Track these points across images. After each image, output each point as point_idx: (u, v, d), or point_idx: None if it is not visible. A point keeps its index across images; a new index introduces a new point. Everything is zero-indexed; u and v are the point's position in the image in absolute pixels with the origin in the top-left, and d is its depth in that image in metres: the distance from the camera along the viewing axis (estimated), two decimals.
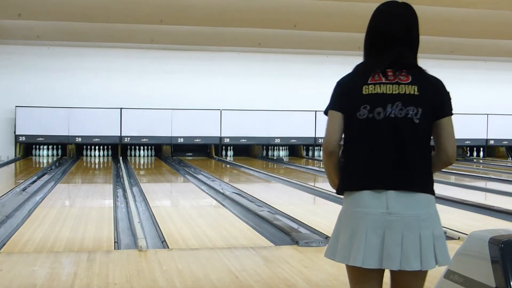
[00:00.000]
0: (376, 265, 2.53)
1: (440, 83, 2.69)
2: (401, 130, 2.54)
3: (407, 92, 2.55)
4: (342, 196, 2.79)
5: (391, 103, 2.54)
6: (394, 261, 2.51)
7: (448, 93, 2.70)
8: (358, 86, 2.61)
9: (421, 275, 2.63)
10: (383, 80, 2.57)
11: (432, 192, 2.66)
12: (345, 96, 2.64)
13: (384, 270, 2.63)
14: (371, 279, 2.66)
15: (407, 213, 2.52)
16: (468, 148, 22.99)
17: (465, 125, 22.34)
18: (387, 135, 2.55)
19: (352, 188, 2.64)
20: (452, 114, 2.70)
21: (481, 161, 21.69)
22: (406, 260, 2.50)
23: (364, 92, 2.58)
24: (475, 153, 23.08)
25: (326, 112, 2.73)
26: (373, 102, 2.55)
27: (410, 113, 2.54)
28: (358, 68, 2.72)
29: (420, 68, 2.67)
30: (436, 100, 2.62)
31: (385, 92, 2.55)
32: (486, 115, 22.68)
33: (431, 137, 2.67)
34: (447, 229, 7.02)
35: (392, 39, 2.64)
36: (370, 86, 2.57)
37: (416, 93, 2.56)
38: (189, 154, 21.07)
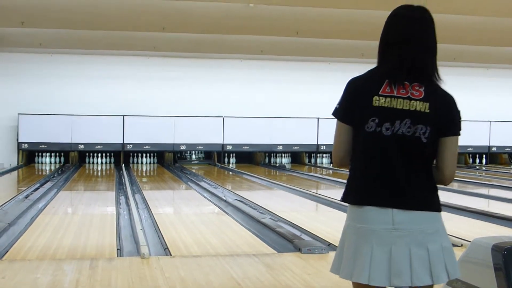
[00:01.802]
0: (385, 283, 2.44)
1: (452, 101, 2.63)
2: (408, 148, 2.48)
3: (418, 109, 2.48)
4: (346, 204, 2.73)
5: (400, 120, 2.47)
6: (404, 277, 2.42)
7: (459, 112, 2.63)
8: (369, 95, 2.52)
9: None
10: (395, 93, 2.49)
11: (437, 209, 2.58)
12: (355, 106, 2.56)
13: None
14: None
15: (413, 228, 2.46)
16: (470, 155, 22.95)
17: (467, 132, 22.08)
18: (393, 152, 2.49)
19: (356, 203, 2.57)
20: (460, 134, 2.63)
21: (483, 168, 21.66)
22: (417, 276, 2.42)
23: (374, 104, 2.49)
24: (477, 160, 23.04)
25: (334, 114, 2.67)
26: (382, 115, 2.48)
27: (419, 132, 2.47)
28: (372, 73, 2.63)
29: (434, 82, 2.60)
30: (446, 118, 2.56)
31: (395, 107, 2.48)
32: (489, 122, 22.66)
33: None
34: (450, 236, 7.01)
35: (407, 44, 2.54)
36: (381, 98, 2.49)
37: (427, 110, 2.49)
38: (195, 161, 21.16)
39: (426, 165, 2.54)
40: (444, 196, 9.83)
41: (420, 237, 2.44)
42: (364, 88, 2.55)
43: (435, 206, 2.56)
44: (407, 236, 2.43)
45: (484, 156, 23.09)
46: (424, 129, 2.47)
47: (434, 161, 2.63)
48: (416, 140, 2.46)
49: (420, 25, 2.55)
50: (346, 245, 2.59)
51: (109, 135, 19.82)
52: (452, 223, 8.32)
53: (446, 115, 2.56)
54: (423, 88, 2.52)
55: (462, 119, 2.67)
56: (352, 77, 2.67)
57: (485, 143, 22.73)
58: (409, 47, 2.52)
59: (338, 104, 2.66)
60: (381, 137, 2.48)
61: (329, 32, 16.73)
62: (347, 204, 2.68)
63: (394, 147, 2.47)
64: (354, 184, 2.60)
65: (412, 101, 2.48)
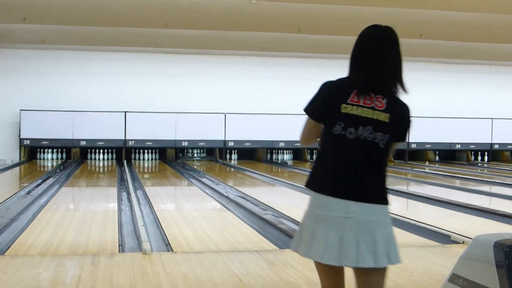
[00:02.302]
0: (334, 262, 2.81)
1: (407, 112, 2.96)
2: (367, 151, 2.85)
3: (379, 119, 2.84)
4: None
5: (363, 126, 2.83)
6: (351, 259, 2.78)
7: (410, 121, 2.98)
8: (338, 102, 2.88)
9: (380, 271, 2.90)
10: (361, 103, 2.84)
11: (386, 203, 2.93)
12: (325, 108, 2.93)
13: (343, 266, 2.90)
14: (333, 273, 2.93)
15: (364, 218, 2.82)
16: (472, 153, 22.94)
17: (469, 129, 22.34)
18: (354, 153, 2.85)
19: (318, 191, 2.93)
20: (405, 141, 3.08)
21: (485, 165, 21.64)
22: (362, 258, 2.78)
23: (342, 111, 2.85)
24: (479, 158, 23.04)
25: (305, 111, 3.05)
26: (348, 121, 2.84)
27: (378, 138, 2.85)
28: (343, 82, 2.97)
29: (396, 94, 2.93)
30: (401, 127, 2.94)
31: (360, 114, 2.83)
32: (491, 120, 22.63)
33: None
34: (451, 233, 7.02)
35: (374, 61, 2.88)
36: (348, 106, 2.85)
37: (387, 120, 2.85)
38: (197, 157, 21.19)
39: (380, 164, 2.92)
40: (445, 193, 9.83)
41: (368, 226, 2.82)
42: (335, 95, 2.92)
43: (385, 200, 2.93)
44: (358, 224, 2.80)
45: (486, 153, 23.08)
46: (382, 137, 2.85)
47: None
48: (375, 145, 2.85)
49: (385, 44, 2.89)
50: (305, 228, 2.95)
51: (111, 131, 19.84)
52: (453, 220, 8.33)
53: (401, 125, 2.93)
54: (386, 100, 2.87)
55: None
56: (327, 80, 3.04)
57: (487, 140, 22.71)
58: (375, 64, 2.87)
59: (310, 103, 3.03)
60: (345, 139, 2.85)
61: (332, 29, 16.71)
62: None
63: (355, 149, 2.84)
64: (318, 174, 2.98)
65: (375, 111, 2.85)
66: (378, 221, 2.86)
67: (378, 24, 2.96)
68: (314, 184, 2.98)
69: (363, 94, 2.86)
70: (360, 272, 2.90)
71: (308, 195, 3.02)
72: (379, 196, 2.92)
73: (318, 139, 3.03)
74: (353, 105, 2.85)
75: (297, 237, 3.04)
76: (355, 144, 2.84)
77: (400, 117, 2.91)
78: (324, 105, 2.94)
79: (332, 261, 2.81)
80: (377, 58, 2.88)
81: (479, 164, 21.88)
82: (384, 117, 2.85)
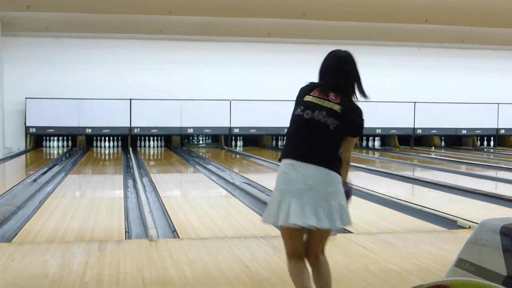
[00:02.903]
0: (299, 223, 3.37)
1: (359, 113, 3.64)
2: (319, 128, 3.52)
3: (332, 108, 3.53)
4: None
5: (318, 111, 3.53)
6: (312, 222, 3.35)
7: (363, 121, 3.66)
8: (304, 95, 3.66)
9: (327, 231, 3.53)
10: (321, 96, 3.58)
11: (339, 172, 3.52)
12: (299, 97, 3.69)
13: (303, 230, 3.50)
14: (295, 236, 3.54)
15: (321, 189, 3.41)
16: (478, 138, 22.89)
17: (475, 114, 22.29)
18: (310, 129, 3.54)
19: (284, 157, 3.60)
20: (358, 136, 3.73)
21: (491, 150, 21.59)
22: (321, 221, 3.36)
23: (304, 99, 3.62)
24: (485, 143, 22.99)
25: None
26: (306, 106, 3.58)
27: (329, 122, 3.51)
28: (313, 85, 3.71)
29: (350, 98, 3.64)
30: (351, 123, 3.58)
31: (317, 103, 3.56)
32: (497, 104, 22.56)
33: (341, 143, 3.60)
34: (458, 218, 7.01)
35: (333, 73, 3.64)
36: (310, 96, 3.61)
37: (338, 111, 3.53)
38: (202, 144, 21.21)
39: (334, 145, 3.55)
40: (452, 178, 9.82)
41: (325, 195, 3.41)
42: (304, 92, 3.69)
43: (337, 170, 3.51)
44: (317, 194, 3.39)
45: (492, 138, 23.03)
46: (333, 121, 3.51)
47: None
48: (326, 125, 3.51)
49: (344, 62, 3.67)
50: (273, 200, 3.54)
51: (116, 119, 19.85)
52: (460, 206, 8.33)
53: (353, 120, 3.60)
54: (340, 97, 3.58)
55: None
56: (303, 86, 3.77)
57: (493, 125, 22.65)
58: (335, 75, 3.63)
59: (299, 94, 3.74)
60: (302, 118, 3.57)
61: (336, 14, 16.65)
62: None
63: (310, 126, 3.53)
64: (285, 148, 3.68)
65: (330, 102, 3.56)
66: (333, 192, 3.44)
67: (340, 49, 3.77)
68: (282, 155, 3.65)
69: (323, 91, 3.59)
70: (316, 231, 3.47)
71: None
72: (332, 164, 3.49)
73: None
74: (314, 96, 3.59)
75: (267, 211, 3.60)
76: (310, 122, 3.53)
77: (352, 113, 3.60)
78: (301, 93, 3.70)
79: (298, 222, 3.36)
80: (339, 71, 3.63)
81: (485, 149, 21.83)
82: (336, 107, 3.53)
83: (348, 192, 3.66)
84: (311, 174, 3.44)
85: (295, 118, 3.63)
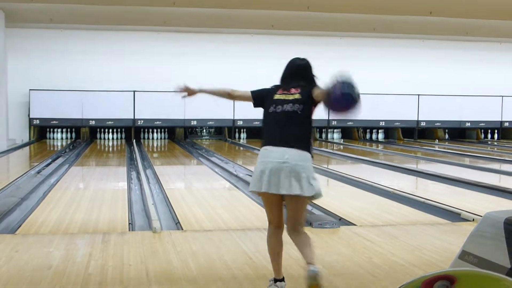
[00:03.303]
0: (275, 191, 4.06)
1: (313, 88, 4.25)
2: (290, 116, 4.21)
3: (295, 97, 4.25)
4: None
5: (286, 104, 4.25)
6: (286, 189, 4.03)
7: (319, 89, 4.18)
8: (272, 95, 4.37)
9: (304, 199, 4.13)
10: (285, 93, 4.32)
11: (309, 152, 4.17)
12: (268, 99, 4.38)
13: (281, 197, 4.16)
14: (274, 203, 4.23)
15: (294, 163, 4.07)
16: (482, 130, 22.86)
17: (479, 107, 22.24)
18: (282, 120, 4.24)
19: (263, 145, 4.27)
20: (326, 101, 4.02)
21: (495, 143, 21.57)
22: (293, 189, 4.03)
23: (274, 98, 4.34)
24: (489, 135, 22.95)
25: (253, 92, 4.60)
26: (276, 103, 4.30)
27: (296, 108, 4.21)
28: (277, 86, 4.45)
29: (306, 86, 4.30)
30: (311, 96, 4.22)
31: (284, 98, 4.29)
32: (501, 97, 22.52)
33: (311, 121, 4.29)
34: (461, 211, 7.01)
35: (293, 76, 4.40)
36: (277, 95, 4.34)
37: (299, 97, 4.24)
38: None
39: (304, 126, 4.24)
40: (455, 171, 9.80)
41: (297, 168, 4.06)
42: (271, 92, 4.41)
43: (308, 150, 4.18)
44: (290, 167, 4.05)
45: (496, 131, 22.99)
46: (299, 107, 4.21)
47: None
48: (295, 112, 4.21)
49: (301, 67, 4.44)
50: (255, 173, 4.18)
51: (120, 110, 19.87)
52: (463, 198, 8.32)
53: (309, 95, 4.22)
54: (300, 89, 4.30)
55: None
56: (273, 86, 4.50)
57: (497, 118, 22.62)
58: (294, 77, 4.39)
59: (258, 90, 4.61)
60: (275, 113, 4.28)
61: (340, 7, 16.62)
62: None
63: (283, 117, 4.23)
64: (263, 138, 4.33)
65: (292, 94, 4.28)
66: (304, 166, 4.08)
67: (299, 57, 4.51)
68: (262, 143, 4.31)
69: (285, 90, 4.33)
70: (291, 199, 4.13)
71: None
72: (304, 147, 4.16)
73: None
74: (280, 94, 4.33)
75: (252, 180, 4.24)
76: (282, 114, 4.24)
77: (307, 92, 4.24)
78: (265, 97, 4.43)
79: (274, 191, 4.06)
80: (298, 73, 4.41)
81: (489, 142, 21.81)
82: (297, 96, 4.25)
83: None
84: (287, 152, 4.11)
85: (269, 114, 4.35)
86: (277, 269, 4.27)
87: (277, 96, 4.34)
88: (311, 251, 4.06)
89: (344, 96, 3.83)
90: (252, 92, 4.62)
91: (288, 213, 4.23)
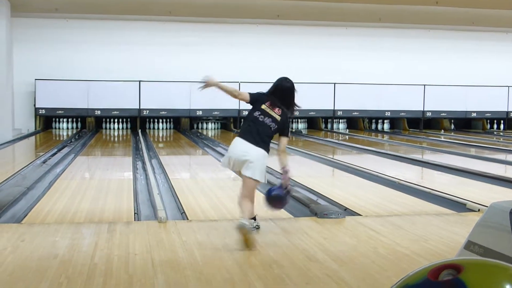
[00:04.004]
0: (239, 170, 5.54)
1: (288, 122, 5.74)
2: (267, 127, 5.53)
3: (275, 117, 5.56)
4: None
5: (268, 117, 5.55)
6: (244, 171, 5.45)
7: (289, 126, 5.82)
8: (261, 103, 5.63)
9: (251, 183, 5.47)
10: (271, 107, 5.59)
11: (266, 151, 5.52)
12: (258, 103, 5.65)
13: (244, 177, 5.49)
14: (238, 173, 5.65)
15: (252, 155, 5.41)
16: (488, 121, 22.80)
17: (485, 97, 22.18)
18: (261, 126, 5.52)
19: (238, 136, 5.59)
20: (287, 136, 5.73)
21: (501, 133, 21.53)
22: (247, 172, 5.42)
23: (261, 107, 5.60)
24: (495, 126, 22.90)
25: (251, 95, 5.72)
26: (262, 112, 5.57)
27: (272, 125, 5.55)
28: (267, 95, 5.72)
29: (286, 112, 5.67)
30: (283, 127, 5.64)
31: (268, 112, 5.57)
32: (507, 87, 22.46)
33: (273, 136, 5.65)
34: (467, 201, 7.01)
35: (279, 95, 5.70)
36: (264, 106, 5.61)
37: (278, 120, 5.57)
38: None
39: (269, 137, 5.56)
40: (461, 161, 9.81)
41: (254, 160, 5.41)
42: (262, 98, 5.69)
43: (266, 149, 5.51)
44: (249, 159, 5.40)
45: (502, 121, 22.94)
46: (275, 125, 5.56)
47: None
48: (269, 127, 5.54)
49: (286, 89, 5.78)
50: (226, 157, 5.65)
51: (126, 100, 19.87)
52: (469, 189, 8.31)
53: (284, 127, 5.64)
54: (281, 112, 5.61)
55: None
56: (260, 92, 5.83)
57: (503, 108, 22.57)
58: (280, 97, 5.69)
59: (254, 93, 5.76)
60: (258, 119, 5.55)
61: None
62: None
63: (260, 125, 5.52)
64: (241, 130, 5.66)
65: (275, 114, 5.58)
66: (258, 159, 5.43)
67: (287, 79, 5.87)
68: (238, 133, 5.65)
69: (272, 105, 5.61)
70: (245, 178, 5.47)
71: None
72: (263, 146, 5.48)
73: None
74: (267, 106, 5.60)
75: (223, 160, 5.80)
76: (261, 123, 5.53)
77: (284, 121, 5.62)
78: (257, 101, 5.67)
79: (238, 170, 5.54)
80: (284, 94, 5.72)
81: (495, 133, 21.76)
82: (278, 117, 5.57)
83: (286, 173, 5.62)
84: (250, 147, 5.44)
85: (253, 117, 5.58)
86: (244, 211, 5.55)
87: (263, 107, 5.62)
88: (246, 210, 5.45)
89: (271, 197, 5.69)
90: (250, 97, 5.70)
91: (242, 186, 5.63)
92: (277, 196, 5.61)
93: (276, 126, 5.55)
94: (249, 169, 5.40)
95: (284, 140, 5.65)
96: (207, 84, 5.95)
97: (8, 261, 4.60)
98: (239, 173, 5.60)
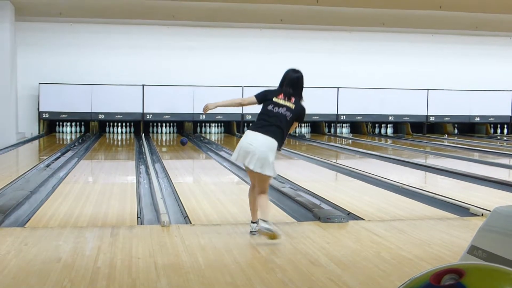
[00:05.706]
0: (245, 164, 5.57)
1: (303, 110, 5.79)
2: (282, 117, 5.60)
3: (289, 106, 5.65)
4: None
5: (281, 107, 5.63)
6: (252, 166, 5.43)
7: (304, 114, 5.84)
8: (273, 96, 5.71)
9: (263, 178, 5.53)
10: (284, 99, 5.68)
11: (277, 141, 5.53)
12: (268, 99, 5.71)
13: (254, 172, 5.46)
14: (251, 174, 5.64)
15: (261, 149, 5.42)
16: (491, 125, 22.77)
17: (488, 101, 22.16)
18: (276, 117, 5.59)
19: (251, 129, 5.63)
20: (301, 123, 6.42)
21: (505, 138, 21.49)
22: (256, 167, 5.42)
23: (274, 100, 5.67)
24: (499, 130, 22.87)
25: (256, 96, 5.82)
26: (274, 104, 5.65)
27: (287, 114, 5.62)
28: (278, 90, 5.78)
29: (299, 101, 5.74)
30: (299, 114, 5.72)
31: (282, 103, 5.65)
32: (511, 92, 22.42)
33: (290, 127, 5.73)
34: (470, 206, 6.99)
35: (290, 85, 5.75)
36: (276, 98, 5.68)
37: (293, 108, 5.65)
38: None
39: (287, 127, 5.64)
40: (464, 165, 9.79)
41: (262, 153, 5.41)
42: (273, 93, 5.74)
43: (278, 140, 5.52)
44: (256, 149, 5.42)
45: (505, 126, 22.91)
46: (290, 114, 5.63)
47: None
48: (285, 116, 5.61)
49: (296, 78, 5.80)
50: (238, 149, 5.56)
51: (129, 104, 19.91)
52: (472, 193, 8.30)
53: (299, 112, 5.72)
54: (293, 101, 5.69)
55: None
56: (269, 89, 5.87)
57: (507, 113, 22.54)
58: (291, 86, 5.74)
59: (260, 94, 5.81)
60: (272, 111, 5.63)
61: (350, 1, 16.58)
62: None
63: (275, 116, 5.60)
64: (254, 124, 5.68)
65: (289, 103, 5.66)
66: (267, 151, 5.43)
67: (295, 69, 5.86)
68: (251, 128, 5.66)
69: (286, 96, 5.69)
70: (255, 174, 5.52)
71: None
72: (273, 136, 5.49)
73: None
74: (279, 99, 5.68)
75: (234, 154, 5.67)
76: (276, 114, 5.61)
77: (299, 109, 5.71)
78: (267, 97, 5.74)
79: (242, 160, 5.53)
80: (291, 84, 5.75)
81: (499, 137, 21.72)
82: (292, 106, 5.65)
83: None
84: (257, 135, 5.50)
85: (267, 110, 5.66)
86: (253, 214, 5.73)
87: (276, 99, 5.69)
88: (266, 210, 5.50)
89: None
90: (257, 97, 5.81)
91: (256, 183, 5.64)
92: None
93: (291, 115, 5.62)
94: (257, 163, 5.38)
95: (294, 124, 5.77)
96: (206, 109, 6.15)
97: (12, 265, 4.61)
98: (251, 173, 5.55)
